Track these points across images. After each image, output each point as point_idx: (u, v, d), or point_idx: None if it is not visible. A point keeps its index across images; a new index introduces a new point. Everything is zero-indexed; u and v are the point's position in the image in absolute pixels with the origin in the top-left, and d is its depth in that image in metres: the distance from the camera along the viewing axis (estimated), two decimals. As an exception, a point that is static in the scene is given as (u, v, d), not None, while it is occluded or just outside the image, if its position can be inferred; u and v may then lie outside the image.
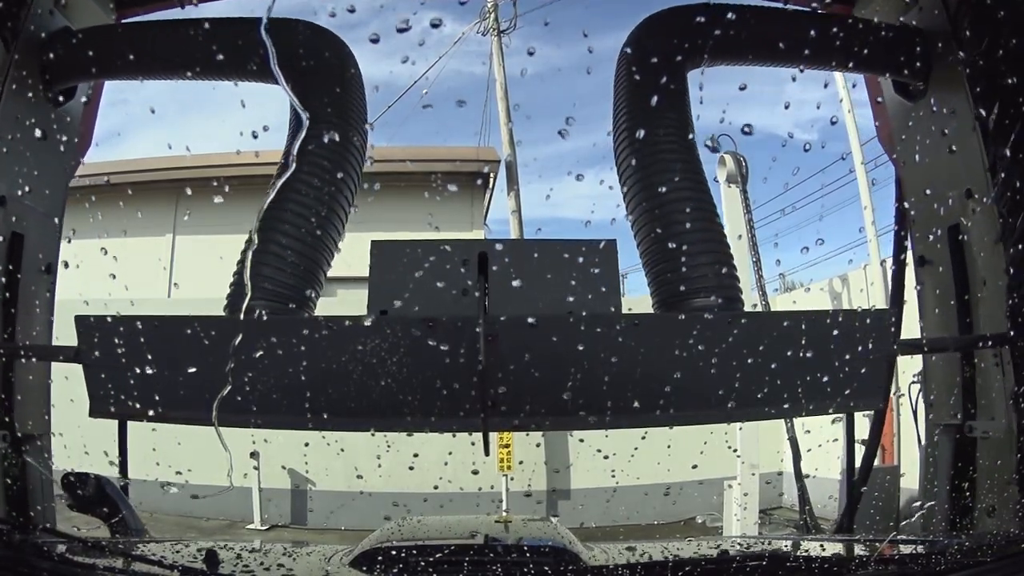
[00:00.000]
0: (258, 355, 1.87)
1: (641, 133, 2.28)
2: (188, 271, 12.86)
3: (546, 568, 1.54)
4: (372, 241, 2.02)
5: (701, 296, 2.19)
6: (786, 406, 2.01)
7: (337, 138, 2.25)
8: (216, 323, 1.95)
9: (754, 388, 1.91)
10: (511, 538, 2.67)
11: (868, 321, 2.04)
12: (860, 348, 1.95)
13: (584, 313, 1.95)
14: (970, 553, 1.53)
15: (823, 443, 8.21)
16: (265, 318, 2.05)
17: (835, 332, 1.95)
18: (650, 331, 1.99)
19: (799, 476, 6.47)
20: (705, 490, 9.11)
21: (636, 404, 1.90)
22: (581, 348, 1.90)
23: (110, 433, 2.49)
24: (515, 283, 1.99)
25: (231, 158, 10.84)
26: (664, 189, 2.25)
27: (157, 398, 1.93)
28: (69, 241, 2.53)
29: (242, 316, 2.07)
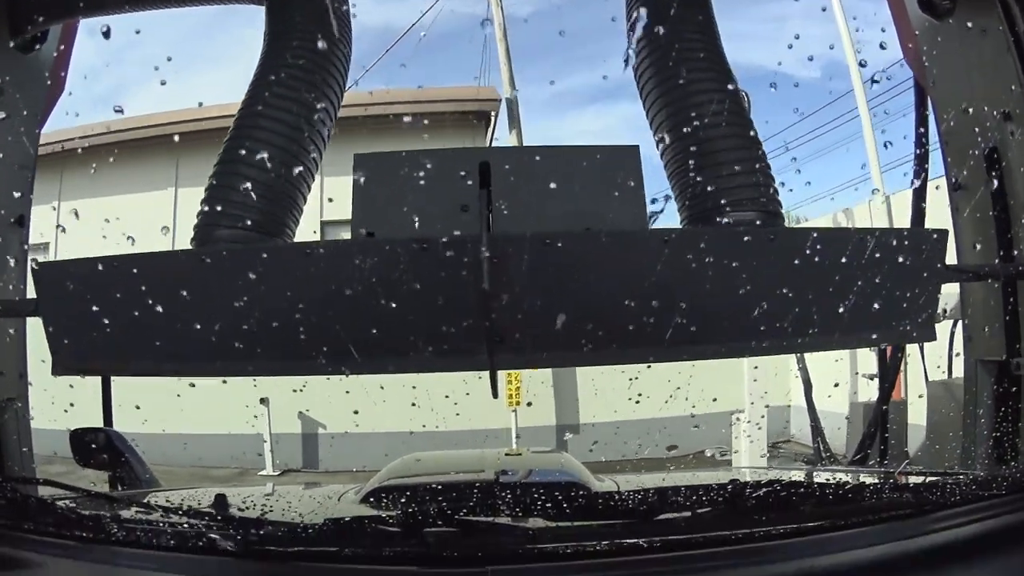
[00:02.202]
0: (230, 291, 1.66)
1: (662, 32, 2.04)
2: (191, 223, 12.81)
3: (558, 495, 1.49)
4: (355, 155, 1.78)
5: (738, 210, 1.92)
6: (834, 336, 1.75)
7: (319, 46, 2.02)
8: (183, 258, 1.76)
9: (799, 315, 1.69)
10: (521, 471, 2.64)
11: (917, 242, 1.80)
12: (908, 272, 1.75)
13: (605, 229, 1.71)
14: (985, 485, 1.50)
15: (827, 371, 8.28)
16: (235, 248, 1.84)
17: (883, 253, 1.72)
18: (682, 249, 1.68)
19: (811, 406, 6.47)
20: (714, 423, 9.16)
21: (666, 335, 1.66)
22: (602, 269, 1.66)
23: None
24: (523, 196, 1.73)
25: (230, 108, 10.69)
26: (692, 93, 2.00)
27: (126, 348, 1.73)
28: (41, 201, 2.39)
29: (197, 247, 1.87)
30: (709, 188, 1.96)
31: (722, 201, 1.95)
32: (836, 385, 8.67)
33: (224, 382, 1.79)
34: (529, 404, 10.28)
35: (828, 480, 2.14)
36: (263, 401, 9.82)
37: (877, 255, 1.70)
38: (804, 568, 1.24)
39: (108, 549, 1.38)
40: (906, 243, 1.78)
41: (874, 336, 1.84)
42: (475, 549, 1.31)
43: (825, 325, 1.71)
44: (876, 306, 1.72)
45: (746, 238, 1.71)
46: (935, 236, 1.81)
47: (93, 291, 1.70)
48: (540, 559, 1.31)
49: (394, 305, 1.64)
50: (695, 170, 1.98)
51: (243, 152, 1.97)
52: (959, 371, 4.93)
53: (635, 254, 1.67)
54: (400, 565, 1.28)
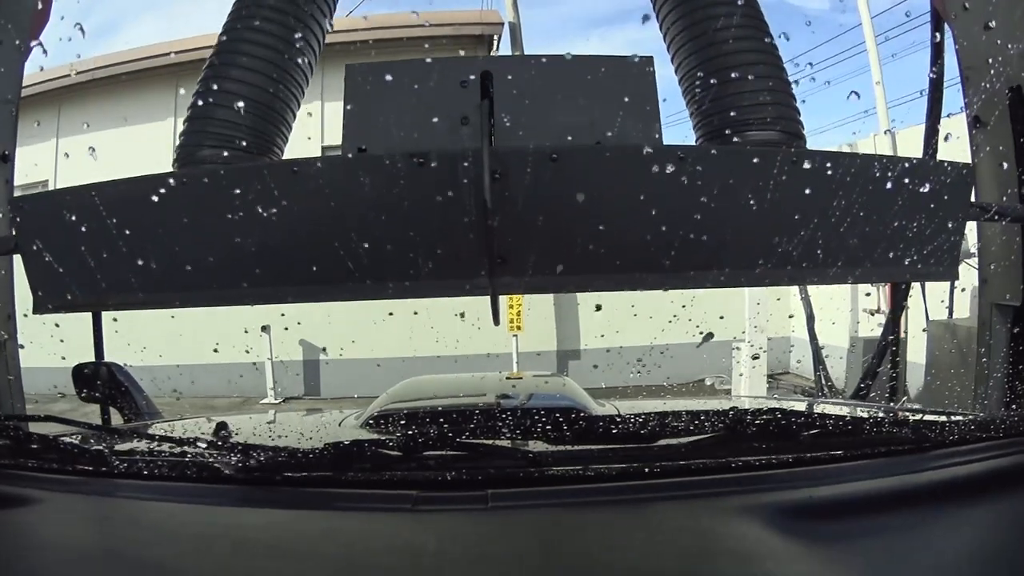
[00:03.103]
0: (214, 215, 1.57)
1: None
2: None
3: (558, 419, 1.48)
4: (347, 65, 1.64)
5: (758, 128, 1.78)
6: (853, 269, 1.63)
7: None
8: (163, 181, 1.60)
9: (818, 244, 1.57)
10: (521, 395, 2.65)
11: (942, 175, 1.67)
12: (933, 206, 1.63)
13: (616, 144, 1.57)
14: (990, 426, 1.47)
15: (828, 304, 8.29)
16: (217, 169, 1.70)
17: (909, 183, 1.60)
18: (700, 167, 1.55)
19: (813, 337, 6.47)
20: (713, 352, 9.23)
21: (679, 259, 1.57)
22: (612, 188, 1.54)
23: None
24: (528, 108, 1.59)
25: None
26: (709, 3, 1.85)
27: (109, 282, 1.62)
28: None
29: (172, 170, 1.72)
30: (727, 104, 1.82)
31: (741, 119, 1.81)
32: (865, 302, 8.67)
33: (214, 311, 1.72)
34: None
35: (828, 412, 2.14)
36: (264, 329, 9.88)
37: (903, 186, 1.60)
38: (802, 498, 1.23)
39: (110, 482, 1.38)
40: (932, 176, 1.66)
41: (895, 272, 1.73)
42: (475, 473, 1.31)
43: (844, 256, 1.61)
44: (899, 240, 1.63)
45: (768, 158, 1.57)
46: (962, 171, 1.70)
47: (73, 223, 1.60)
48: (540, 483, 1.31)
49: (388, 226, 1.55)
50: (712, 85, 1.83)
51: (227, 68, 1.84)
52: (958, 311, 4.94)
53: (648, 171, 1.53)
54: (401, 489, 1.28)
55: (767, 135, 1.79)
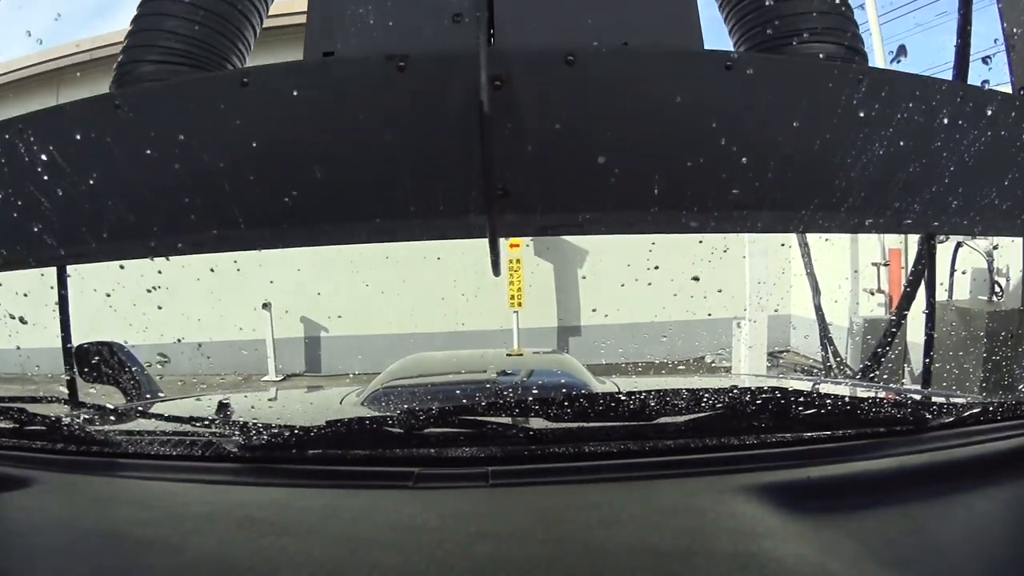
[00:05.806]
0: (152, 144, 1.29)
1: None
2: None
3: (558, 396, 1.48)
4: None
5: (813, 40, 1.47)
6: (919, 215, 1.39)
7: None
8: (91, 107, 1.35)
9: (884, 184, 1.33)
10: (522, 372, 2.66)
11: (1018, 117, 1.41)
12: (1013, 146, 1.40)
13: (648, 47, 1.29)
14: (987, 409, 1.45)
15: (828, 283, 8.25)
16: (152, 87, 1.41)
17: (987, 116, 1.35)
18: (752, 80, 1.26)
19: (820, 312, 6.37)
20: (713, 330, 9.20)
21: (721, 195, 1.29)
22: (642, 101, 1.27)
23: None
24: (536, 1, 1.31)
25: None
26: None
27: (38, 233, 1.36)
28: None
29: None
30: (778, 10, 1.52)
31: (793, 27, 1.50)
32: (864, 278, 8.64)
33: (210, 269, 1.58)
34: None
35: (828, 391, 2.15)
36: (265, 306, 9.88)
37: (984, 121, 1.35)
38: (800, 477, 1.23)
39: (113, 461, 1.38)
40: (1014, 108, 1.41)
41: (967, 221, 1.46)
42: (476, 450, 1.31)
43: (915, 200, 1.37)
44: (972, 184, 1.39)
45: (832, 73, 1.31)
46: None
47: (11, 167, 1.35)
48: (540, 460, 1.31)
49: (360, 149, 1.29)
50: None
51: None
52: (958, 293, 4.92)
53: (689, 82, 1.28)
54: (402, 466, 1.28)
55: (824, 48, 1.49)
